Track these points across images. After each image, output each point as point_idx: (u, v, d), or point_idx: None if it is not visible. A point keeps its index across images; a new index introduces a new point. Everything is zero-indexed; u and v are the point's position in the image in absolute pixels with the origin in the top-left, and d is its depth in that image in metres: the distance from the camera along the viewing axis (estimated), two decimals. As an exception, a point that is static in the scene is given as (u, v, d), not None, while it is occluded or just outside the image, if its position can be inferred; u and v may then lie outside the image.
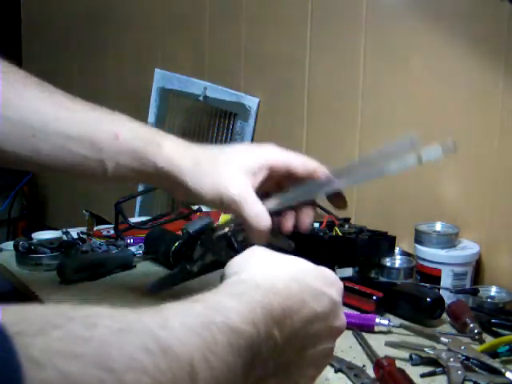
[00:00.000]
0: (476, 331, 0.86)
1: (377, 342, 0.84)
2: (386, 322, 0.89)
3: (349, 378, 0.76)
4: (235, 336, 0.43)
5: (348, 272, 1.03)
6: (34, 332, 0.33)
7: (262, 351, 0.46)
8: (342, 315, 0.58)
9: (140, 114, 1.67)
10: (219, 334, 0.42)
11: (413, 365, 0.79)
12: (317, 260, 1.08)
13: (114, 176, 0.74)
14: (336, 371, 0.78)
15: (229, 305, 0.45)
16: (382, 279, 1.05)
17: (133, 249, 1.16)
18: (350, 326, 0.90)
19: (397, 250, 1.10)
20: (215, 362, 0.41)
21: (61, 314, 0.36)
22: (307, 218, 0.76)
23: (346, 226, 1.11)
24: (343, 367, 0.78)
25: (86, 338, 0.35)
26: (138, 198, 1.68)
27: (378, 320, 0.89)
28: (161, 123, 1.64)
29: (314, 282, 0.55)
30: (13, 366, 0.30)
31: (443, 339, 0.81)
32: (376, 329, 0.89)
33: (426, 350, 0.79)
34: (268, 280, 0.51)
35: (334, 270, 1.03)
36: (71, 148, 0.73)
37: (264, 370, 0.48)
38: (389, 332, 0.89)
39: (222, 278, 0.56)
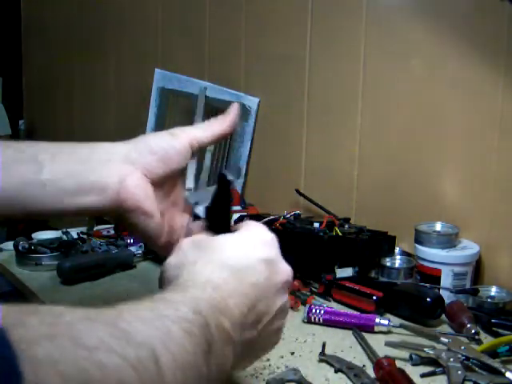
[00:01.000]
0: (473, 331, 0.86)
1: (377, 342, 0.84)
2: (385, 322, 0.89)
3: (349, 377, 0.76)
4: (188, 324, 0.45)
5: (348, 272, 1.03)
6: (13, 323, 0.35)
7: (216, 339, 0.47)
8: (282, 266, 0.60)
9: (140, 114, 1.67)
10: (173, 325, 0.43)
11: (413, 365, 0.79)
12: (317, 260, 1.09)
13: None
14: (336, 371, 0.78)
15: (175, 299, 0.47)
16: (382, 279, 1.05)
17: (133, 249, 1.16)
18: (349, 326, 0.90)
19: (397, 250, 1.10)
20: (175, 348, 0.42)
21: (31, 306, 0.38)
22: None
23: (346, 226, 1.11)
24: (343, 367, 0.78)
25: (56, 323, 0.37)
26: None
27: (377, 320, 0.89)
28: (161, 123, 1.64)
29: (244, 258, 0.57)
30: (6, 344, 0.33)
31: (443, 339, 0.81)
32: (376, 329, 0.89)
33: (425, 350, 0.79)
34: (202, 277, 0.53)
35: (333, 270, 1.03)
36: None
37: (230, 354, 0.49)
38: (389, 332, 0.89)
39: (160, 282, 0.57)
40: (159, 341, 0.41)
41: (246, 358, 0.58)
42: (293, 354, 0.82)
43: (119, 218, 0.70)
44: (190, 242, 0.59)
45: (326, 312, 0.92)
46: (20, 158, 0.65)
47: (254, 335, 0.55)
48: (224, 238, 0.59)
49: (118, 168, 0.66)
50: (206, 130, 0.72)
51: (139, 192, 0.67)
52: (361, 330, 0.88)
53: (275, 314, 0.57)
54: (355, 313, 0.93)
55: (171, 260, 0.58)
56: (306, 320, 0.92)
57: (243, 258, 0.57)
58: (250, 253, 0.57)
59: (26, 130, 2.30)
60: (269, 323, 0.57)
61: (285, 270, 0.60)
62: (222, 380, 0.49)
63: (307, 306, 0.93)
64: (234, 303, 0.52)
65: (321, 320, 0.91)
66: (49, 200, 0.65)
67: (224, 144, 1.46)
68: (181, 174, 0.74)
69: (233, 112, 0.73)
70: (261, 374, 0.77)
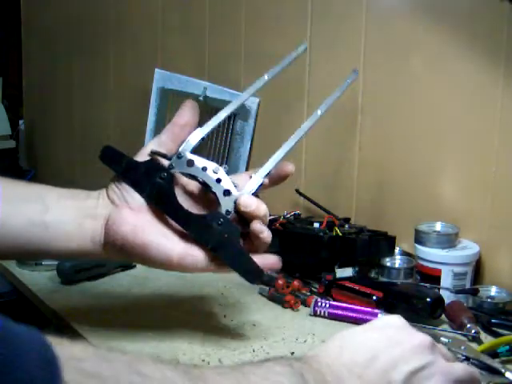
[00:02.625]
0: (473, 331, 0.86)
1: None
2: (388, 318, 0.89)
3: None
4: None
5: (348, 272, 1.03)
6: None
7: None
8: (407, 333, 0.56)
9: (140, 114, 1.67)
10: None
11: (413, 365, 0.79)
12: (317, 260, 1.08)
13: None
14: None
15: None
16: (382, 279, 1.05)
17: (133, 249, 1.15)
18: (354, 320, 0.91)
19: (397, 250, 1.10)
20: None
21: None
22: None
23: (346, 226, 1.11)
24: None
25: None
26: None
27: (380, 315, 0.90)
28: (161, 123, 1.64)
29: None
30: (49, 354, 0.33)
31: (443, 339, 0.81)
32: None
33: (425, 349, 0.79)
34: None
35: (333, 270, 1.03)
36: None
37: None
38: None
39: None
40: None
41: None
42: (293, 353, 0.82)
43: (128, 258, 0.73)
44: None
45: (331, 306, 0.93)
46: (28, 198, 0.69)
47: None
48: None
49: (106, 213, 0.71)
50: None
51: (127, 229, 0.70)
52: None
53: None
54: (360, 308, 0.93)
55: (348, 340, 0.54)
56: (312, 314, 0.94)
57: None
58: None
59: (26, 129, 2.30)
60: None
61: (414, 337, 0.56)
62: None
63: (313, 300, 0.95)
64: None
65: (326, 314, 0.93)
66: (53, 242, 0.69)
67: (224, 144, 1.46)
68: None
69: None
70: (261, 374, 0.77)
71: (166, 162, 0.73)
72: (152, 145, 0.74)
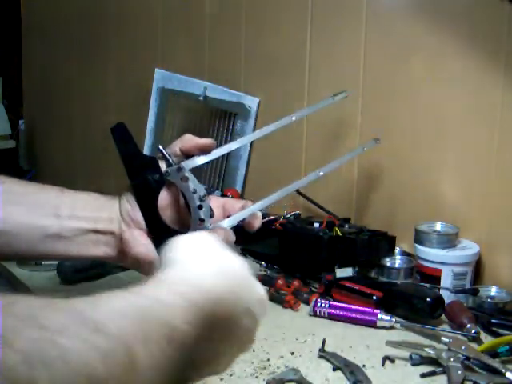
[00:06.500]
0: (473, 331, 0.86)
1: (377, 342, 0.84)
2: (388, 317, 0.90)
3: (344, 374, 0.76)
4: (172, 331, 0.43)
5: (348, 272, 1.03)
6: None
7: (198, 349, 0.46)
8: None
9: (140, 114, 1.67)
10: (157, 326, 0.42)
11: (413, 365, 0.79)
12: (317, 260, 1.08)
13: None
14: (334, 369, 0.78)
15: (166, 300, 0.47)
16: (382, 279, 1.05)
17: (133, 249, 1.15)
18: (353, 320, 0.91)
19: (397, 250, 1.10)
20: (155, 349, 0.40)
21: None
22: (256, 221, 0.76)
23: (346, 226, 1.11)
24: (341, 364, 0.78)
25: (10, 303, 0.35)
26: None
27: (380, 316, 0.90)
28: (161, 123, 1.64)
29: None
30: None
31: (444, 339, 0.81)
32: (379, 324, 0.89)
33: (426, 349, 0.79)
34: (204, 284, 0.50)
35: (333, 270, 1.03)
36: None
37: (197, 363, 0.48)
38: (391, 328, 0.89)
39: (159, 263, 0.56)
40: (138, 339, 0.39)
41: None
42: (293, 353, 0.82)
43: (140, 268, 0.75)
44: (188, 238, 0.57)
45: (331, 306, 0.93)
46: (44, 209, 0.72)
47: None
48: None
49: (118, 228, 0.73)
50: None
51: (140, 249, 0.72)
52: (364, 324, 0.89)
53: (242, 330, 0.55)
54: (360, 308, 0.93)
55: (178, 245, 0.56)
56: (312, 314, 0.94)
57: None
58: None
59: (26, 129, 2.30)
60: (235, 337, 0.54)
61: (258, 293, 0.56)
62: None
63: (313, 300, 0.95)
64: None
65: (326, 314, 0.93)
66: (67, 251, 0.73)
67: (224, 144, 1.45)
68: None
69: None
70: (261, 373, 0.77)
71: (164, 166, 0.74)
72: (177, 145, 0.76)
